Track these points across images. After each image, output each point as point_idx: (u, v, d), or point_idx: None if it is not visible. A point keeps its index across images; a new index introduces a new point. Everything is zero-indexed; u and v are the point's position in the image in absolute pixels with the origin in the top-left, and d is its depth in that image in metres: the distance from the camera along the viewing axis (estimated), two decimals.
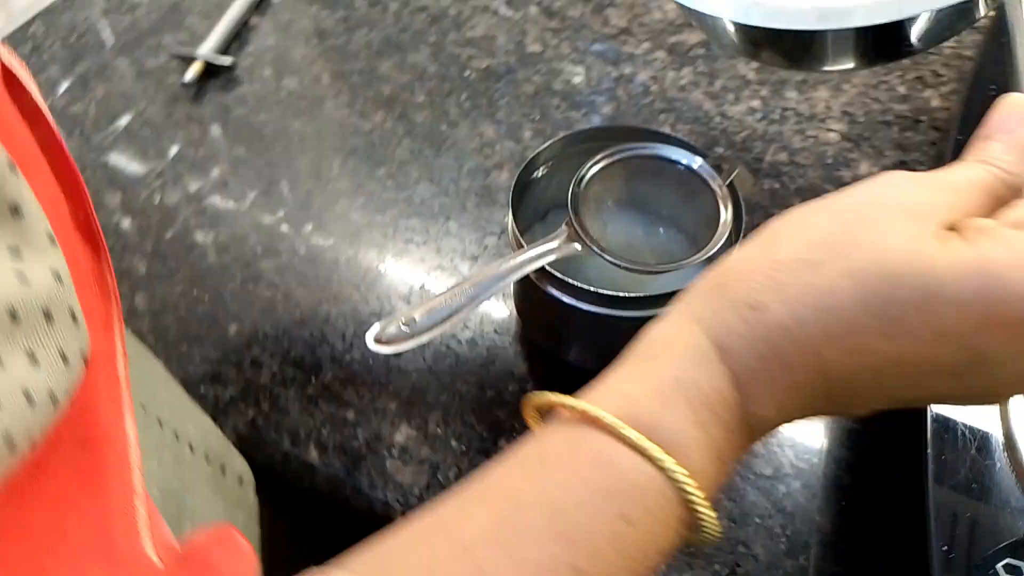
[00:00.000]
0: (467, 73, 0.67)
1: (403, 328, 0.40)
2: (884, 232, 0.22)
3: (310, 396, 0.49)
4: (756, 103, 0.63)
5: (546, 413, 0.25)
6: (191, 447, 0.44)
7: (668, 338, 0.24)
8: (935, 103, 0.61)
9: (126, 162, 0.62)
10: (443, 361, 0.50)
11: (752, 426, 0.23)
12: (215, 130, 0.64)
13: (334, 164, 0.61)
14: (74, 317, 0.20)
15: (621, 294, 0.41)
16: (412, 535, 0.22)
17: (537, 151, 0.46)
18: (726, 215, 0.43)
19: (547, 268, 0.42)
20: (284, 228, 0.58)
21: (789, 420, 0.24)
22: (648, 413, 0.22)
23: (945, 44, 0.64)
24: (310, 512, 0.49)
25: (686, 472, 0.21)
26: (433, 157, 0.61)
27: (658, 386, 0.23)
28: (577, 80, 0.66)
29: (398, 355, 0.50)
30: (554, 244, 0.42)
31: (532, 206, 0.50)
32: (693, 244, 0.46)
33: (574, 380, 0.26)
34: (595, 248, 0.42)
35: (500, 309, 0.52)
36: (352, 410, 0.49)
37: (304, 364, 0.51)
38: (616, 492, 0.21)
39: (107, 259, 0.27)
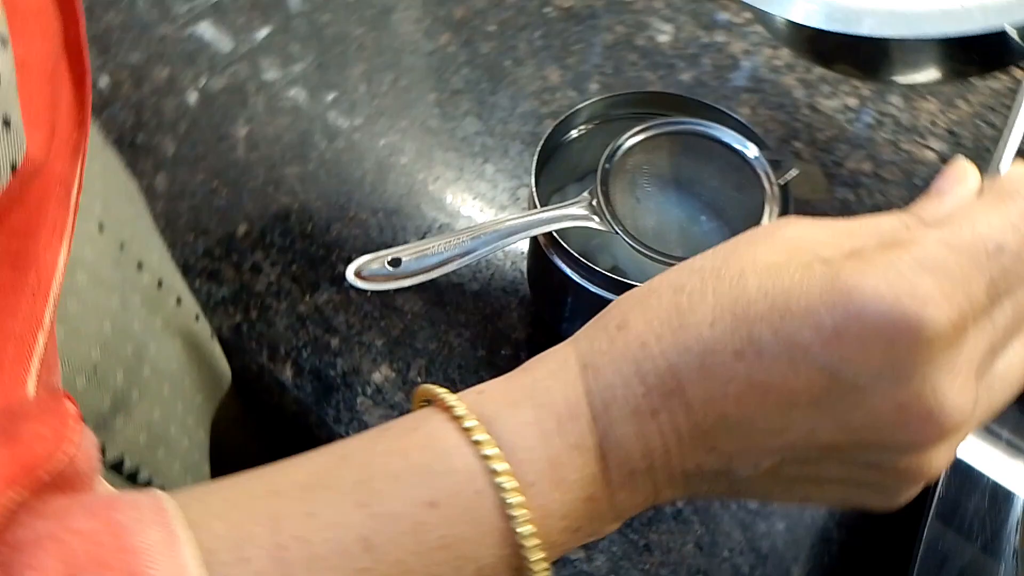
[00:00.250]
0: (547, 10, 0.62)
1: (387, 267, 0.37)
2: (749, 260, 0.22)
3: (299, 314, 0.47)
4: (853, 101, 0.56)
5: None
6: (179, 300, 0.43)
7: (542, 357, 0.24)
8: None
9: (181, 43, 0.61)
10: (441, 309, 0.47)
11: (606, 452, 0.22)
12: (274, 24, 0.61)
13: (385, 80, 0.58)
14: (7, 123, 0.19)
15: (630, 282, 0.37)
16: (243, 476, 0.21)
17: (578, 106, 0.42)
18: (768, 219, 0.38)
19: (557, 238, 0.39)
20: (317, 137, 0.55)
21: (658, 464, 0.22)
22: (492, 407, 0.22)
23: None
24: (272, 427, 0.48)
25: (507, 466, 0.21)
26: (488, 92, 0.57)
27: (512, 389, 0.23)
28: (663, 39, 0.60)
29: (388, 292, 0.47)
30: (569, 211, 0.39)
31: (569, 165, 0.45)
32: None
33: None
34: (614, 225, 0.38)
35: (513, 269, 0.49)
36: (337, 338, 0.47)
37: (302, 280, 0.49)
38: (430, 471, 0.21)
39: (88, 90, 0.26)
